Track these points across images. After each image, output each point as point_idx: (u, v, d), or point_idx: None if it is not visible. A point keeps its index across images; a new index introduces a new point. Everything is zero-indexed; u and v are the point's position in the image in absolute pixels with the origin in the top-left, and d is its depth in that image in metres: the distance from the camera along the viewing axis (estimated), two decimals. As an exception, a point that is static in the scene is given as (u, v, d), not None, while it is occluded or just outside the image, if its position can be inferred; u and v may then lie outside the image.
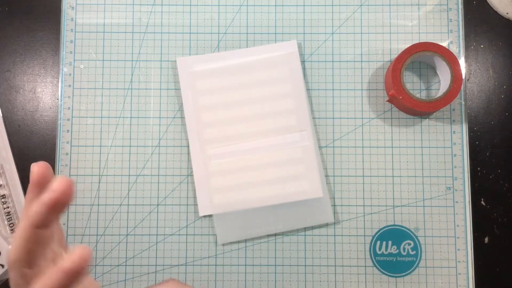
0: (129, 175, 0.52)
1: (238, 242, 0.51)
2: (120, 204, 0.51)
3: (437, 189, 0.51)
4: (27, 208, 0.28)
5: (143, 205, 0.51)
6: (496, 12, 0.54)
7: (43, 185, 0.28)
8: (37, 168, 0.29)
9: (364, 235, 0.51)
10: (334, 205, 0.51)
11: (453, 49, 0.53)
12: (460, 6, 0.53)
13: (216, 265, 0.51)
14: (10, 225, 0.50)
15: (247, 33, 0.53)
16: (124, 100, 0.52)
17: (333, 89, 0.53)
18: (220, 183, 0.50)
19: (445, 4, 0.53)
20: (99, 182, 0.52)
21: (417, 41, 0.53)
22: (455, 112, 0.52)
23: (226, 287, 0.50)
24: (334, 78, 0.53)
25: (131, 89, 0.53)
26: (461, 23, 0.53)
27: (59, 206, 0.28)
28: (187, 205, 0.51)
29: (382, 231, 0.51)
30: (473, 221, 0.51)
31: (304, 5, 0.54)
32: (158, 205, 0.51)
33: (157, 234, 0.51)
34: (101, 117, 0.52)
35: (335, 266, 0.50)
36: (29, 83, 0.53)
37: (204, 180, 0.51)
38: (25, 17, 0.54)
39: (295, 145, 0.51)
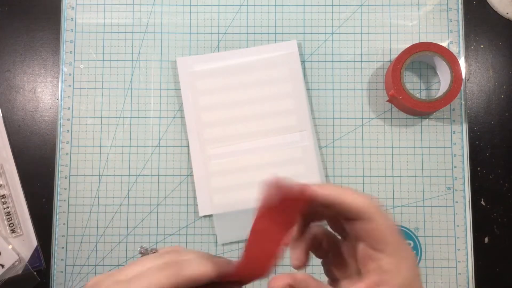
0: (129, 175, 0.52)
1: (238, 242, 0.51)
2: (120, 204, 0.51)
3: (437, 189, 0.51)
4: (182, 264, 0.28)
5: (143, 205, 0.51)
6: (496, 12, 0.54)
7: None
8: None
9: (364, 235, 0.51)
10: (334, 205, 0.51)
11: (453, 49, 0.53)
12: (460, 6, 0.53)
13: (216, 265, 0.51)
14: (10, 225, 0.50)
15: (247, 33, 0.53)
16: (124, 100, 0.52)
17: (333, 89, 0.53)
18: (220, 183, 0.50)
19: (445, 4, 0.53)
20: (99, 182, 0.52)
21: (417, 41, 0.53)
22: (455, 112, 0.52)
23: (226, 287, 0.50)
24: (334, 78, 0.53)
25: (131, 89, 0.53)
26: (461, 23, 0.53)
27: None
28: (187, 205, 0.51)
29: (382, 231, 0.51)
30: (473, 221, 0.51)
31: (304, 5, 0.54)
32: (158, 205, 0.51)
33: (157, 234, 0.51)
34: (101, 117, 0.52)
35: (335, 266, 0.50)
36: (29, 83, 0.53)
37: (204, 180, 0.51)
38: (25, 17, 0.54)
39: (295, 145, 0.51)
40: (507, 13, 0.53)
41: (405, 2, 0.53)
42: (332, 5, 0.53)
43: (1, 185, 0.51)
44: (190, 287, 0.28)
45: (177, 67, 0.52)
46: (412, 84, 0.53)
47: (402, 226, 0.51)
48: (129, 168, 0.52)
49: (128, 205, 0.51)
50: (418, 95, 0.52)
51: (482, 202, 0.52)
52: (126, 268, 0.28)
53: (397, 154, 0.52)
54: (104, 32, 0.53)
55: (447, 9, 0.53)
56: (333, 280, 0.34)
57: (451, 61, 0.49)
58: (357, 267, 0.31)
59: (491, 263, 0.51)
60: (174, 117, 0.52)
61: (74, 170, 0.52)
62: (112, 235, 0.51)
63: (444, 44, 0.52)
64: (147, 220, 0.51)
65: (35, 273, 0.50)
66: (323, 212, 0.32)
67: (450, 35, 0.53)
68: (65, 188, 0.51)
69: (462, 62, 0.52)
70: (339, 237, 0.32)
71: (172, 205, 0.51)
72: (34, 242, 0.51)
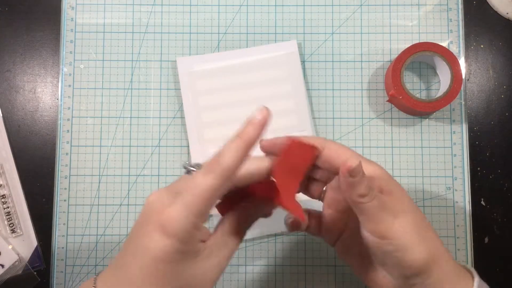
0: (129, 175, 0.52)
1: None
2: (120, 204, 0.51)
3: (437, 189, 0.51)
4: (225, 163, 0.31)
5: (143, 205, 0.51)
6: (496, 12, 0.54)
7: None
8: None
9: (364, 235, 0.51)
10: (334, 205, 0.51)
11: (453, 49, 0.53)
12: (460, 6, 0.53)
13: (216, 265, 0.51)
14: (10, 225, 0.50)
15: (247, 33, 0.53)
16: (124, 100, 0.52)
17: (333, 89, 0.53)
18: None
19: (445, 4, 0.53)
20: (99, 182, 0.52)
21: (417, 41, 0.53)
22: (455, 112, 0.52)
23: (226, 287, 0.50)
24: (334, 78, 0.53)
25: (131, 89, 0.53)
26: (461, 23, 0.53)
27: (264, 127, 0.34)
28: (187, 205, 0.51)
29: (382, 231, 0.51)
30: (473, 221, 0.51)
31: (304, 5, 0.54)
32: (158, 205, 0.51)
33: (157, 234, 0.51)
34: (101, 117, 0.52)
35: (335, 266, 0.50)
36: (29, 83, 0.53)
37: None
38: (25, 17, 0.54)
39: None
40: (507, 13, 0.53)
41: (405, 2, 0.54)
42: (332, 5, 0.54)
43: (1, 185, 0.51)
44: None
45: (177, 67, 0.52)
46: (412, 84, 0.53)
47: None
48: (129, 168, 0.52)
49: (128, 205, 0.51)
50: (418, 95, 0.52)
51: (482, 202, 0.52)
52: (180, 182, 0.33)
53: (397, 154, 0.52)
54: (104, 32, 0.53)
55: (447, 9, 0.53)
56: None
57: (451, 61, 0.49)
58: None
59: (491, 263, 0.51)
60: (174, 117, 0.52)
61: (74, 170, 0.52)
62: (112, 235, 0.51)
63: (444, 44, 0.52)
64: (147, 220, 0.51)
65: (35, 273, 0.50)
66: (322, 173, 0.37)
67: (450, 35, 0.53)
68: (65, 188, 0.51)
69: (462, 62, 0.52)
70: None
71: (172, 205, 0.51)
72: (34, 242, 0.51)
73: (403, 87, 0.49)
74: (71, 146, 0.52)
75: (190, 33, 0.53)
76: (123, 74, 0.53)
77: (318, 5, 0.54)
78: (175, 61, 0.52)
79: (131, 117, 0.52)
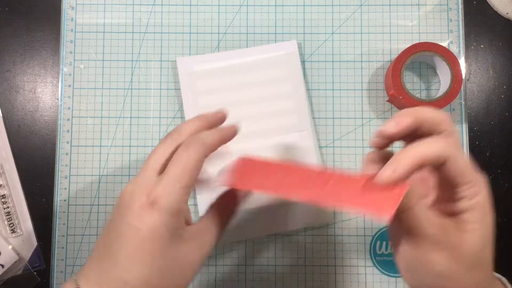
0: (129, 175, 0.52)
1: (239, 242, 0.51)
2: (120, 204, 0.51)
3: (437, 189, 0.51)
4: (200, 137, 0.34)
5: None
6: (496, 12, 0.54)
7: (214, 125, 0.38)
8: (222, 114, 0.39)
9: (364, 235, 0.51)
10: (334, 205, 0.51)
11: (453, 49, 0.53)
12: (460, 6, 0.53)
13: (216, 265, 0.51)
14: (10, 225, 0.50)
15: (247, 33, 0.53)
16: (124, 100, 0.52)
17: (333, 89, 0.53)
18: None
19: (445, 4, 0.53)
20: (99, 182, 0.52)
21: (417, 41, 0.53)
22: (455, 112, 0.52)
23: (226, 287, 0.50)
24: (334, 78, 0.53)
25: (131, 89, 0.53)
26: (461, 23, 0.53)
27: (226, 140, 0.37)
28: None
29: (382, 231, 0.51)
30: (473, 221, 0.51)
31: (304, 5, 0.54)
32: (158, 205, 0.51)
33: (157, 234, 0.51)
34: (101, 117, 0.52)
35: (335, 266, 0.50)
36: (29, 83, 0.53)
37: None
38: (25, 17, 0.54)
39: (295, 145, 0.51)
40: (507, 13, 0.53)
41: (405, 2, 0.54)
42: (332, 5, 0.54)
43: (1, 185, 0.51)
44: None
45: (177, 67, 0.52)
46: (412, 84, 0.53)
47: (402, 226, 0.51)
48: (129, 168, 0.52)
49: (128, 205, 0.51)
50: (418, 95, 0.52)
51: (482, 202, 0.52)
52: (146, 167, 0.34)
53: (397, 154, 0.52)
54: (104, 32, 0.53)
55: (447, 9, 0.53)
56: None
57: (451, 61, 0.49)
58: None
59: (491, 263, 0.51)
60: (174, 117, 0.52)
61: (74, 170, 0.52)
62: (112, 235, 0.51)
63: (444, 44, 0.52)
64: (147, 220, 0.51)
65: (35, 273, 0.50)
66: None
67: (450, 35, 0.53)
68: (65, 188, 0.51)
69: (462, 62, 0.52)
70: None
71: (172, 205, 0.51)
72: (34, 242, 0.51)
73: (403, 87, 0.49)
74: (71, 146, 0.52)
75: (190, 33, 0.53)
76: (123, 74, 0.53)
77: (318, 5, 0.54)
78: (175, 61, 0.52)
79: (131, 117, 0.52)
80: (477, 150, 0.52)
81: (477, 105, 0.53)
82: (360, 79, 0.53)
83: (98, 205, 0.51)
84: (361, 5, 0.53)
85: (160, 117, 0.52)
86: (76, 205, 0.51)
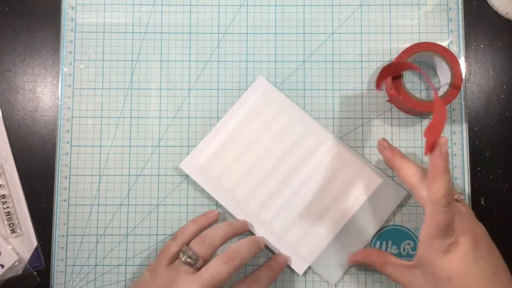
0: (129, 175, 0.52)
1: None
2: (120, 204, 0.51)
3: (437, 189, 0.51)
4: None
5: (143, 205, 0.51)
6: (496, 12, 0.54)
7: (208, 225, 0.50)
8: (213, 214, 0.50)
9: (364, 235, 0.51)
10: (334, 205, 0.51)
11: (453, 49, 0.53)
12: (460, 6, 0.53)
13: (216, 265, 0.51)
14: (10, 225, 0.50)
15: (247, 33, 0.53)
16: (124, 100, 0.53)
17: (333, 89, 0.53)
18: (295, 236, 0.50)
19: (445, 4, 0.53)
20: (99, 182, 0.52)
21: (417, 41, 0.53)
22: (455, 112, 0.52)
23: (226, 287, 0.50)
24: (334, 78, 0.53)
25: (131, 89, 0.53)
26: (461, 23, 0.53)
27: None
28: (187, 205, 0.51)
29: (382, 231, 0.51)
30: (473, 221, 0.51)
31: (304, 5, 0.54)
32: (158, 205, 0.51)
33: (157, 234, 0.51)
34: (101, 117, 0.52)
35: (335, 266, 0.50)
36: (29, 83, 0.53)
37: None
38: (25, 17, 0.54)
39: (327, 157, 0.50)
40: (507, 13, 0.53)
41: (405, 2, 0.54)
42: (332, 5, 0.54)
43: (1, 185, 0.51)
44: None
45: (184, 173, 0.51)
46: (412, 84, 0.53)
47: (402, 226, 0.51)
48: (129, 168, 0.52)
49: (128, 205, 0.51)
50: (418, 95, 0.52)
51: (482, 202, 0.52)
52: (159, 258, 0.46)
53: (397, 154, 0.52)
54: (104, 32, 0.53)
55: (447, 9, 0.53)
56: None
57: (451, 61, 0.49)
58: None
59: (491, 263, 0.51)
60: (174, 117, 0.52)
61: (74, 170, 0.52)
62: (112, 235, 0.51)
63: (444, 44, 0.52)
64: (147, 220, 0.51)
65: (35, 273, 0.50)
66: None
67: (450, 35, 0.53)
68: (65, 188, 0.51)
69: (462, 62, 0.52)
70: None
71: (172, 205, 0.51)
72: (34, 242, 0.51)
73: (403, 87, 0.49)
74: (71, 146, 0.52)
75: (190, 33, 0.53)
76: (123, 74, 0.53)
77: (318, 5, 0.54)
78: (175, 65, 0.52)
79: (131, 117, 0.52)
80: (477, 150, 0.52)
81: (477, 105, 0.53)
82: (360, 79, 0.53)
83: (98, 205, 0.51)
84: (361, 5, 0.53)
85: (160, 117, 0.52)
86: (76, 205, 0.51)
